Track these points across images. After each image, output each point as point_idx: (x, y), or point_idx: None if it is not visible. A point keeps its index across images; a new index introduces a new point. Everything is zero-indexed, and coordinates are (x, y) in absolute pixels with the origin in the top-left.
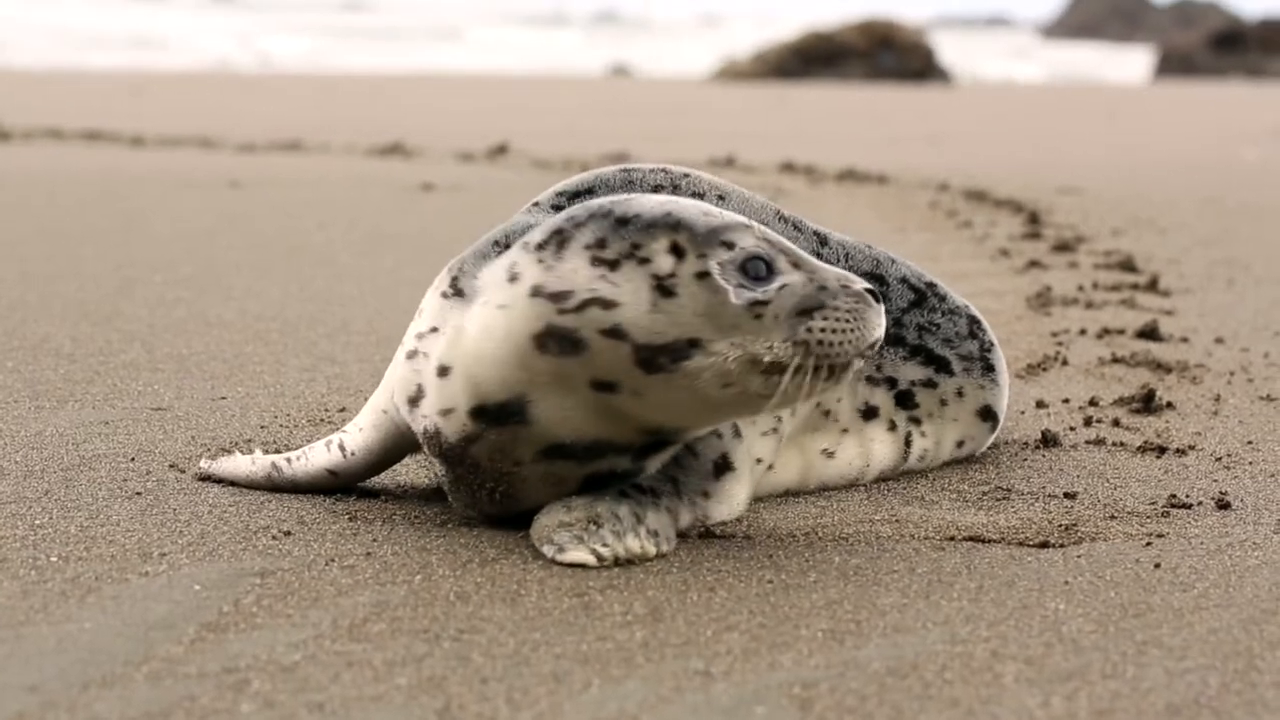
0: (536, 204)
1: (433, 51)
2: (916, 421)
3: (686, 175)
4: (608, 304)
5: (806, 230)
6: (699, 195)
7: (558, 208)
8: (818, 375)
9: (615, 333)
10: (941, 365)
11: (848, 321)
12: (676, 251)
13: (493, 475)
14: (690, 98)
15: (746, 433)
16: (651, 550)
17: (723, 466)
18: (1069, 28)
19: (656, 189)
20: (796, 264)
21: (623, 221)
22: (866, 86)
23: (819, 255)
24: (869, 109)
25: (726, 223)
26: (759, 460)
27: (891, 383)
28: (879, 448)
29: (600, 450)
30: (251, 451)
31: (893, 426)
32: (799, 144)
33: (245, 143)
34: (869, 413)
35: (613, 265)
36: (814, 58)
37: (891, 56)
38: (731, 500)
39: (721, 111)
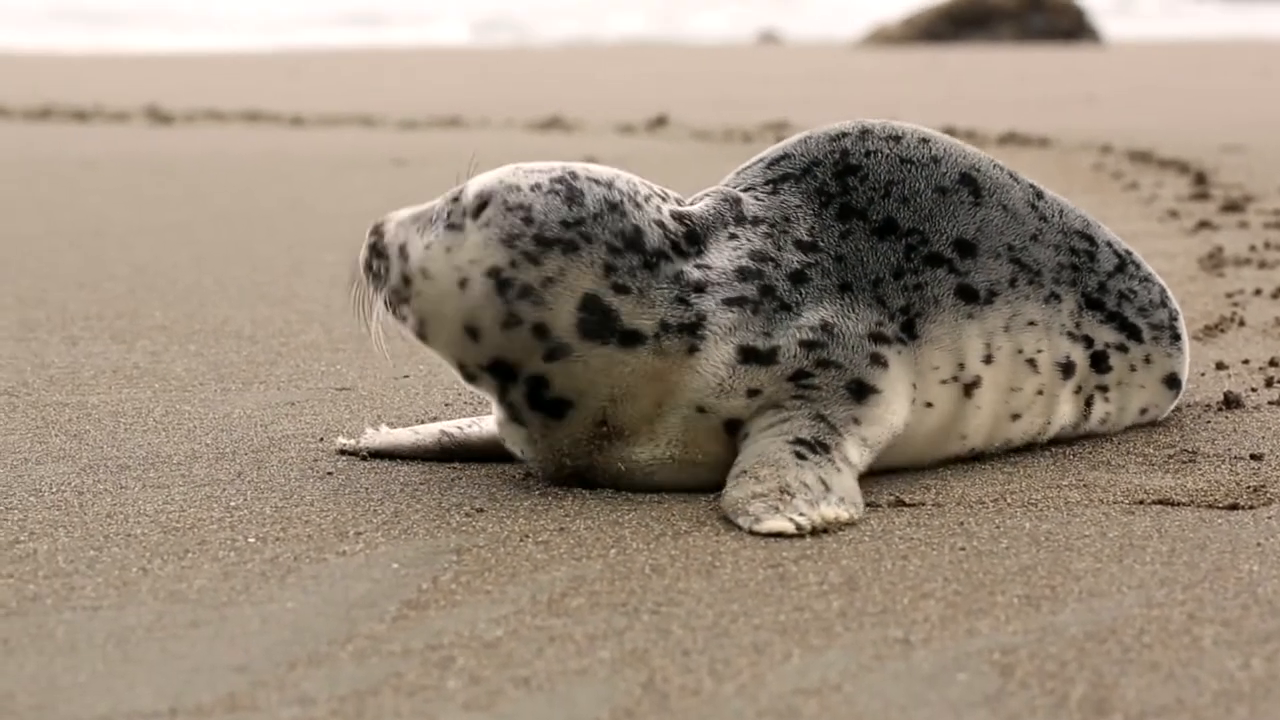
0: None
1: (581, 24)
2: (1103, 388)
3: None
4: None
5: (1023, 181)
6: (896, 139)
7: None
8: None
9: None
10: (1133, 333)
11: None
12: None
13: None
14: (842, 63)
15: (900, 364)
16: (845, 516)
17: (859, 390)
18: None
19: (840, 136)
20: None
21: None
22: (1017, 48)
23: (1034, 207)
24: (1023, 70)
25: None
26: (929, 405)
27: (1088, 341)
28: (1062, 408)
29: None
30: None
31: (1079, 389)
32: (956, 108)
33: (406, 120)
34: (1067, 369)
35: None
36: (964, 20)
37: (1042, 17)
38: (883, 422)
39: (875, 76)
